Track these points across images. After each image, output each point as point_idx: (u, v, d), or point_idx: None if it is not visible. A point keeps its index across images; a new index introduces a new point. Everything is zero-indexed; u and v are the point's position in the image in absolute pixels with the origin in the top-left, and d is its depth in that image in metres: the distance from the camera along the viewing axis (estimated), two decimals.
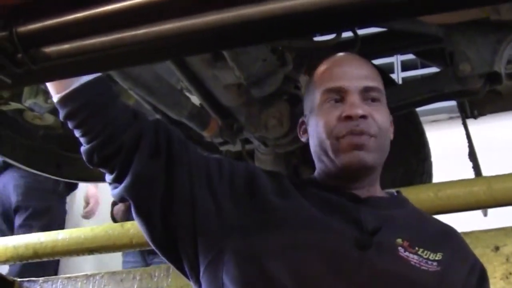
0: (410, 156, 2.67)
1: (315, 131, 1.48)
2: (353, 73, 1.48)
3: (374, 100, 1.46)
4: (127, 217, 3.78)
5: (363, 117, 1.42)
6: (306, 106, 1.55)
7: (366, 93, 1.46)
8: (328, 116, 1.44)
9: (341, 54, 1.58)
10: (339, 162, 1.42)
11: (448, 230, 1.50)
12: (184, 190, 1.39)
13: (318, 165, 1.51)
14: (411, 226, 1.44)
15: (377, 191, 1.51)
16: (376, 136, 1.43)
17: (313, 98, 1.50)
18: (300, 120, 1.58)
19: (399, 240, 1.36)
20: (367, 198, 1.45)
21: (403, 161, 2.65)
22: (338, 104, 1.45)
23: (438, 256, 1.37)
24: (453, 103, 2.77)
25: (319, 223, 1.36)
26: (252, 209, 1.40)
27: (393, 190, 1.58)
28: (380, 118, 1.45)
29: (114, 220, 3.98)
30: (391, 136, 1.53)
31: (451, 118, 4.45)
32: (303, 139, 1.56)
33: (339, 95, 1.45)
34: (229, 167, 1.46)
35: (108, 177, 1.42)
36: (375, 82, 1.49)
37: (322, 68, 1.54)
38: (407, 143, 2.66)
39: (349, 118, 1.41)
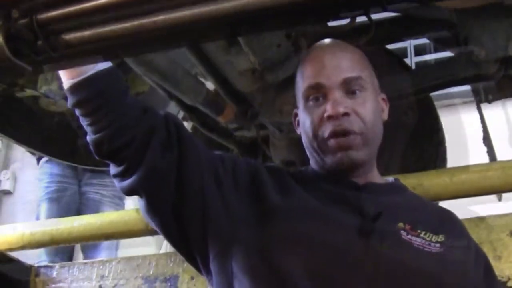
0: (424, 141, 2.67)
1: (303, 128, 1.48)
2: (331, 66, 1.45)
3: (356, 91, 1.44)
4: None
5: (346, 114, 1.40)
6: (297, 99, 1.54)
7: (347, 86, 1.43)
8: (312, 116, 1.44)
9: (321, 44, 1.55)
10: (328, 163, 1.43)
11: (448, 214, 1.51)
12: (195, 182, 1.40)
13: (311, 159, 1.52)
14: (411, 210, 1.45)
15: (375, 177, 1.50)
16: (361, 132, 1.41)
17: (299, 93, 1.50)
18: (294, 111, 1.57)
19: (400, 224, 1.36)
20: (366, 184, 1.45)
21: (417, 145, 2.65)
22: (321, 101, 1.43)
23: (440, 238, 1.37)
24: (467, 87, 2.76)
25: (321, 215, 1.37)
26: (256, 204, 1.41)
27: (391, 177, 1.58)
28: (364, 111, 1.42)
29: None
30: (385, 117, 1.51)
31: (465, 102, 4.43)
32: (298, 131, 1.55)
33: (320, 92, 1.44)
34: (231, 163, 1.48)
35: (115, 170, 1.41)
36: (357, 71, 1.46)
37: (303, 62, 1.52)
38: (421, 128, 2.66)
39: (331, 117, 1.40)
